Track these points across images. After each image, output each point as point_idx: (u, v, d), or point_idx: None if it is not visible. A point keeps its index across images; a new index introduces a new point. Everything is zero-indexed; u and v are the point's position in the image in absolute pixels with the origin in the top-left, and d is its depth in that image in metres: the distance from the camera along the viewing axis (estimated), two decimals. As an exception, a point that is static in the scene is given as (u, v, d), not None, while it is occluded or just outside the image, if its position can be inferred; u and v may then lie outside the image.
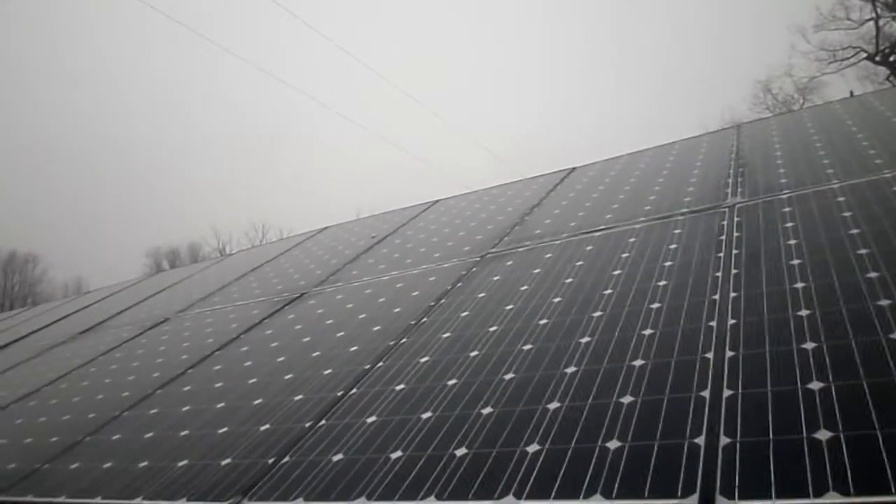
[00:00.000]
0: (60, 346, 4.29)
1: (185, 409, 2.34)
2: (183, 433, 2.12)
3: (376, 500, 1.41)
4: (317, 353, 2.43)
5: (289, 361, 2.45)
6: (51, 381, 3.38)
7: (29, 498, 2.03)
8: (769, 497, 1.07)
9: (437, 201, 4.77)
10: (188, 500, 1.69)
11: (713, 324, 1.66)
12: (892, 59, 20.01)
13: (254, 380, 2.39)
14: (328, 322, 2.77)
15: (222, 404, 2.26)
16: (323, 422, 1.85)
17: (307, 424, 1.87)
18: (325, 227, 5.37)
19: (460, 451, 1.47)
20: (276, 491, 1.58)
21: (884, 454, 1.08)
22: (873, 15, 19.90)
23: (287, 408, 2.04)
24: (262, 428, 1.96)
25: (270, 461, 1.73)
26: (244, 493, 1.61)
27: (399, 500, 1.38)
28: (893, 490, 1.00)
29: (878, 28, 19.97)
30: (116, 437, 2.30)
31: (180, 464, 1.90)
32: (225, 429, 2.04)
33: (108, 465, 2.06)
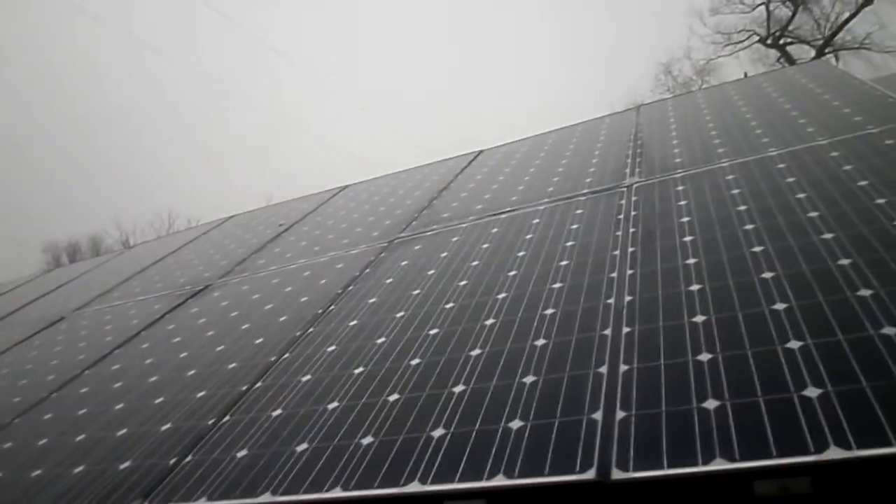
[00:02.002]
0: (-56, 352, 4.01)
1: (81, 412, 2.24)
2: (79, 438, 2.03)
3: (281, 494, 1.38)
4: (221, 347, 2.36)
5: (192, 357, 2.37)
6: (-67, 390, 3.16)
7: None
8: (662, 467, 1.11)
9: (347, 186, 4.72)
10: (84, 507, 1.61)
11: (611, 301, 1.71)
12: (781, 42, 21.09)
13: (155, 378, 2.30)
14: (233, 314, 2.69)
15: (121, 405, 2.16)
16: (227, 418, 1.80)
17: (210, 422, 1.82)
18: (232, 216, 5.22)
19: (367, 440, 1.46)
20: (177, 492, 1.53)
21: (766, 420, 1.14)
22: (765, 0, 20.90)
23: (190, 405, 1.97)
24: (164, 427, 1.89)
25: (172, 462, 1.67)
26: (144, 497, 1.55)
27: (304, 493, 1.36)
28: (775, 453, 1.06)
29: (768, 12, 20.99)
30: (7, 445, 2.17)
31: (76, 470, 1.81)
32: (124, 430, 1.96)
33: (-4, 475, 1.95)
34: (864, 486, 1.04)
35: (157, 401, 2.09)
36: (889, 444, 1.00)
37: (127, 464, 1.75)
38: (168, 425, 1.89)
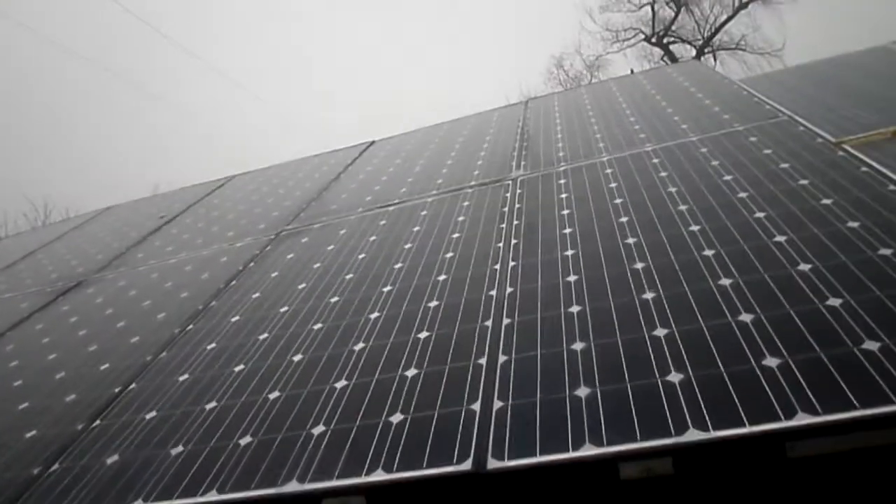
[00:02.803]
0: None
1: (-67, 421, 2.06)
2: (-70, 449, 1.87)
3: (153, 500, 1.32)
4: (94, 347, 2.23)
5: (61, 359, 2.23)
6: None
7: None
8: (535, 454, 1.14)
9: (233, 177, 4.57)
10: (-66, 525, 1.49)
11: (493, 293, 1.74)
12: (665, 41, 22.08)
13: (19, 382, 2.15)
14: (108, 312, 2.55)
15: (-20, 412, 2.01)
16: (97, 422, 1.71)
17: (79, 427, 1.72)
18: (110, 207, 4.95)
19: (245, 440, 1.42)
20: None
21: (632, 405, 1.19)
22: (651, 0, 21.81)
23: (57, 410, 1.86)
24: (28, 435, 1.77)
25: (36, 471, 1.57)
26: (2, 510, 1.45)
27: (178, 498, 1.31)
28: (639, 437, 1.11)
29: (654, 12, 21.91)
30: None
31: (-75, 485, 1.67)
32: (-18, 440, 1.82)
33: None
34: (721, 465, 1.11)
35: (21, 406, 1.96)
36: (742, 425, 1.07)
37: (-16, 476, 1.62)
38: (33, 432, 1.77)
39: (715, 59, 20.86)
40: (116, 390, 1.85)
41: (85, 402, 1.85)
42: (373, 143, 4.32)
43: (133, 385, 1.85)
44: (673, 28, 22.03)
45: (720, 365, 1.22)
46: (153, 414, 1.65)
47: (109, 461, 1.51)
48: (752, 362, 1.21)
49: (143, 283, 2.79)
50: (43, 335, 2.54)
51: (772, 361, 1.20)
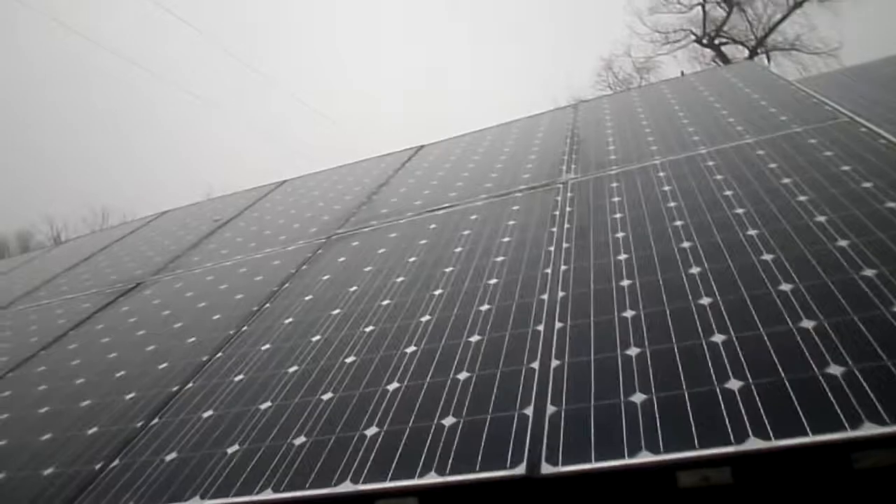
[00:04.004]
0: None
1: (2, 416, 2.14)
2: (0, 443, 1.94)
3: (210, 498, 1.35)
4: (152, 347, 2.29)
5: (121, 358, 2.30)
6: None
7: None
8: (589, 461, 1.13)
9: (285, 181, 4.64)
10: (3, 516, 1.55)
11: (545, 297, 1.73)
12: (716, 42, 21.68)
13: (81, 380, 2.22)
14: (165, 313, 2.62)
15: (46, 409, 2.08)
16: (156, 420, 1.76)
17: (139, 424, 1.77)
18: (166, 211, 5.08)
19: (299, 440, 1.44)
20: (102, 498, 1.48)
21: (690, 413, 1.16)
22: (701, 0, 21.44)
23: (118, 408, 1.91)
24: (90, 431, 1.83)
25: (97, 467, 1.62)
26: (67, 504, 1.50)
27: (235, 496, 1.33)
28: (697, 445, 1.09)
29: (704, 13, 21.53)
30: (-80, 453, 2.07)
31: (-5, 477, 1.74)
32: (48, 436, 1.89)
33: None
34: (783, 475, 1.08)
35: (84, 404, 2.02)
36: (805, 434, 1.04)
37: (50, 470, 1.68)
38: (94, 429, 1.83)
39: (769, 60, 20.38)
40: (174, 389, 1.90)
41: (144, 400, 1.90)
42: (421, 147, 4.34)
43: (190, 384, 1.89)
44: (724, 28, 21.61)
45: (781, 372, 1.19)
46: (210, 413, 1.69)
47: (168, 458, 1.55)
48: (815, 370, 1.17)
49: (199, 284, 2.86)
50: (103, 335, 2.62)
51: (836, 369, 1.16)
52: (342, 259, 2.56)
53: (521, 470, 1.14)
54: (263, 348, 1.97)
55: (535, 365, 1.44)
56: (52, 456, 1.76)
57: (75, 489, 1.55)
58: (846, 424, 1.04)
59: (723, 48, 21.55)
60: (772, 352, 1.25)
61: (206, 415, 1.69)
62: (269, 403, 1.64)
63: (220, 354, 2.04)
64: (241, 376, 1.84)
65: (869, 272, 1.42)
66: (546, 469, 1.13)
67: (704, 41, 21.82)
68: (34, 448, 1.84)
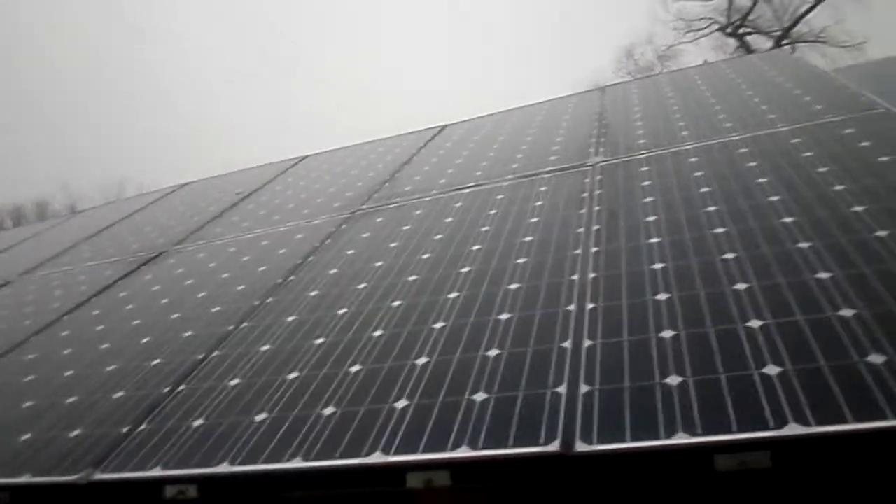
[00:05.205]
0: None
1: (28, 378, 2.16)
2: (26, 405, 1.96)
3: (240, 464, 1.36)
4: (176, 315, 2.30)
5: (145, 324, 2.31)
6: None
7: None
8: (624, 440, 1.12)
9: (307, 157, 4.64)
10: (33, 475, 1.56)
11: (575, 278, 1.71)
12: (740, 31, 21.39)
13: (106, 345, 2.24)
14: (188, 283, 2.63)
15: (71, 372, 2.10)
16: (182, 386, 1.76)
17: (165, 390, 1.78)
18: (187, 183, 5.09)
19: (328, 411, 1.44)
20: (131, 460, 1.49)
21: (727, 396, 1.15)
22: (726, -12, 21.13)
23: (143, 373, 1.93)
24: (116, 396, 1.84)
25: (125, 430, 1.63)
26: (96, 465, 1.51)
27: (264, 462, 1.34)
28: (734, 429, 1.08)
29: (730, 1, 21.24)
30: (-53, 411, 2.09)
31: (23, 438, 1.75)
32: (74, 398, 1.90)
33: (-64, 442, 1.87)
34: (822, 461, 1.06)
35: (109, 369, 2.04)
36: (845, 421, 1.03)
37: (77, 432, 1.70)
38: (120, 393, 1.84)
39: (794, 52, 20.08)
40: (200, 357, 1.91)
41: (170, 367, 1.91)
42: (444, 127, 4.32)
43: (216, 353, 1.90)
44: (750, 18, 21.31)
45: (820, 359, 1.18)
46: (236, 381, 1.70)
47: (196, 424, 1.55)
48: (856, 357, 1.16)
49: (222, 255, 2.86)
50: (127, 302, 2.64)
51: (877, 358, 1.14)
52: (366, 234, 2.55)
53: (555, 447, 1.14)
54: (289, 319, 1.97)
55: (567, 344, 1.43)
56: (79, 419, 1.77)
57: (104, 451, 1.56)
58: (888, 413, 1.02)
59: (747, 38, 21.28)
60: (811, 338, 1.24)
61: (232, 383, 1.70)
62: (296, 373, 1.64)
63: (244, 324, 2.04)
64: (266, 346, 1.84)
65: (910, 263, 1.39)
66: (580, 447, 1.12)
67: (728, 30, 21.55)
68: (60, 410, 1.86)
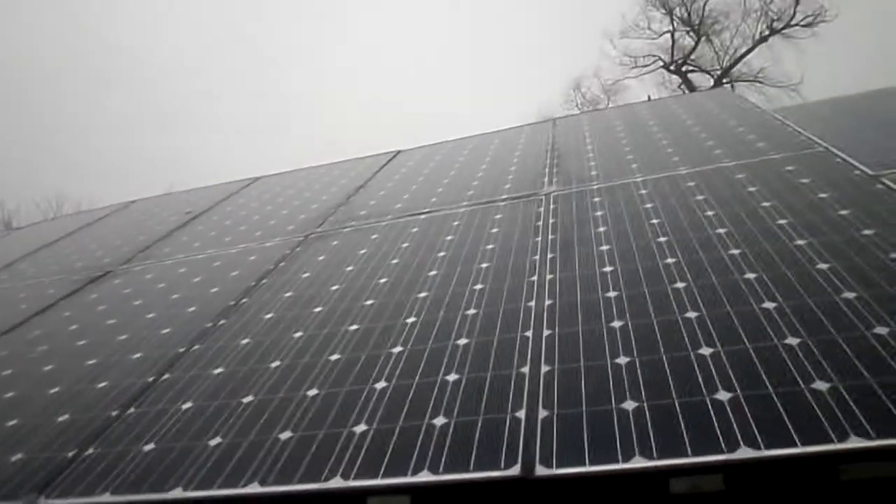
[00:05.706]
0: None
1: (-37, 399, 2.07)
2: (-39, 428, 1.88)
3: (193, 489, 1.33)
4: (124, 336, 2.25)
5: (91, 345, 2.25)
6: None
7: None
8: (584, 464, 1.14)
9: (259, 178, 4.60)
10: (-31, 501, 1.50)
11: (532, 304, 1.75)
12: (683, 69, 22.17)
13: (50, 366, 2.16)
14: (136, 303, 2.57)
15: (11, 394, 2.02)
16: (132, 410, 1.72)
17: (114, 413, 1.73)
18: (133, 202, 4.98)
19: (284, 435, 1.43)
20: (78, 485, 1.44)
21: (681, 421, 1.19)
22: (670, 28, 21.93)
23: (89, 396, 1.87)
24: (60, 419, 1.78)
25: (70, 454, 1.58)
26: (40, 491, 1.46)
27: (219, 488, 1.32)
28: (689, 453, 1.11)
29: (673, 40, 22.02)
30: None
31: (-42, 462, 1.68)
32: (14, 421, 1.84)
33: None
34: (773, 485, 1.11)
35: (52, 391, 1.97)
36: (794, 445, 1.08)
37: (19, 456, 1.63)
38: (66, 416, 1.78)
39: (733, 90, 20.89)
40: (150, 379, 1.86)
41: (118, 390, 1.86)
42: (399, 152, 4.35)
43: (167, 375, 1.86)
44: (692, 57, 22.13)
45: (769, 386, 1.23)
46: (189, 405, 1.66)
47: (146, 448, 1.52)
48: (802, 384, 1.21)
49: (171, 276, 2.81)
50: (71, 322, 2.56)
51: (821, 385, 1.20)
52: (322, 258, 2.54)
53: (515, 471, 1.15)
54: (243, 342, 1.95)
55: (525, 370, 1.45)
56: (20, 442, 1.72)
57: (48, 475, 1.51)
58: (833, 437, 1.07)
59: (689, 75, 22.06)
60: (758, 365, 1.29)
61: (185, 406, 1.66)
62: (251, 397, 1.62)
63: (196, 346, 2.00)
64: (220, 369, 1.81)
65: (848, 294, 1.47)
66: (541, 471, 1.14)
67: (672, 67, 22.30)
68: (1, 433, 1.79)
